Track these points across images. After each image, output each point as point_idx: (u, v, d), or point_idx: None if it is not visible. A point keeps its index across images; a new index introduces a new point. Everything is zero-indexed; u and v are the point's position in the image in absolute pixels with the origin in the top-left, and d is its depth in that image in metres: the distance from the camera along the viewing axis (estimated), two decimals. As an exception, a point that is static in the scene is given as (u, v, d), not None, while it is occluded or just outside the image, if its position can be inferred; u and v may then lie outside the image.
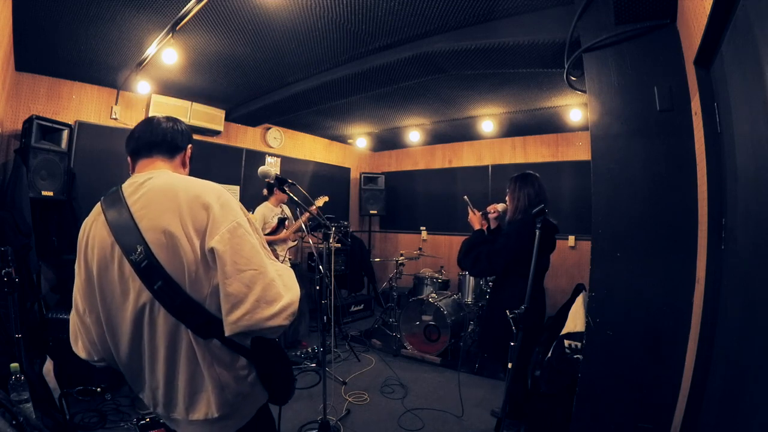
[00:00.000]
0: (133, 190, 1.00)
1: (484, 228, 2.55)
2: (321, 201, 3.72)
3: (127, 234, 0.94)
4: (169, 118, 1.16)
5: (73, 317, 1.07)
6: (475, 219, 2.55)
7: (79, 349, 1.08)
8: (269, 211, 3.68)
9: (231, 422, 1.03)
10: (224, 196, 1.01)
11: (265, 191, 3.86)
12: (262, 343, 1.05)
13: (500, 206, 2.55)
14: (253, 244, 0.97)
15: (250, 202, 4.26)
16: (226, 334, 0.92)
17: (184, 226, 0.93)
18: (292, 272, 1.08)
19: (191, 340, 0.96)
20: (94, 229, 1.01)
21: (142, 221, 0.95)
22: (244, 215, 1.01)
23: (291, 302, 0.97)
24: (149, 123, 1.13)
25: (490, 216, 2.59)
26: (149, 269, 0.91)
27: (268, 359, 1.07)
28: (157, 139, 1.10)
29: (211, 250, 0.92)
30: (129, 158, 1.13)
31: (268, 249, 1.06)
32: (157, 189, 0.99)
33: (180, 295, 0.92)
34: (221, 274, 0.91)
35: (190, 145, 1.19)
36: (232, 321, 0.91)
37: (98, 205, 1.03)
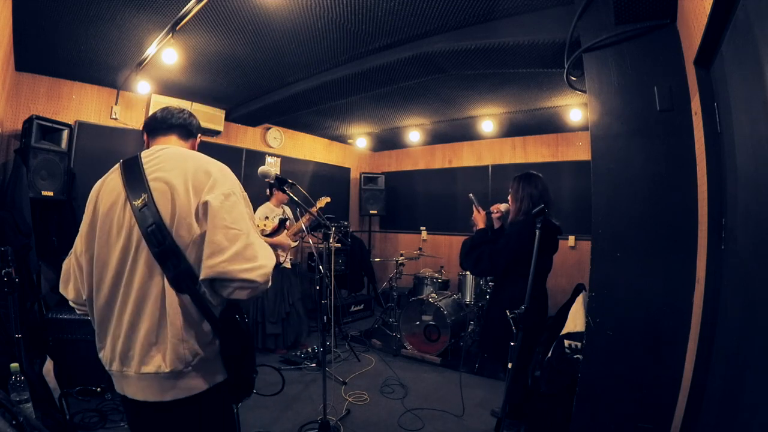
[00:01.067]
0: (149, 155, 1.15)
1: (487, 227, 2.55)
2: (323, 202, 3.71)
3: (136, 185, 1.06)
4: (183, 110, 1.32)
5: (68, 261, 1.19)
6: (479, 218, 2.53)
7: (69, 290, 1.18)
8: (270, 211, 3.68)
9: (180, 384, 1.03)
10: (225, 170, 1.15)
11: (267, 192, 3.86)
12: (231, 323, 1.09)
13: (503, 206, 2.54)
14: (242, 211, 1.08)
15: (250, 201, 4.24)
16: (202, 276, 1.00)
17: (185, 181, 1.05)
18: (271, 249, 1.15)
19: (164, 289, 1.01)
20: (109, 181, 1.15)
21: (151, 175, 1.07)
22: (240, 190, 1.13)
23: (266, 264, 1.05)
24: (168, 109, 1.30)
25: (494, 216, 2.58)
26: (146, 212, 1.02)
27: (234, 340, 1.09)
28: (177, 122, 1.27)
29: (205, 203, 1.03)
30: (145, 135, 1.29)
31: (256, 226, 1.16)
32: (170, 154, 1.15)
33: (166, 238, 1.00)
34: (210, 224, 1.02)
35: (200, 135, 1.37)
36: (209, 265, 0.99)
37: (118, 164, 1.16)
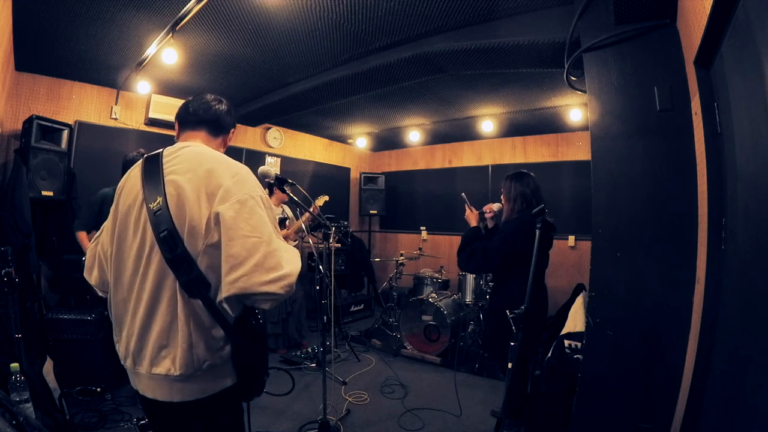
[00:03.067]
0: (170, 152, 1.13)
1: (481, 226, 2.56)
2: (321, 200, 3.71)
3: (152, 186, 1.05)
4: (221, 100, 1.26)
5: (93, 249, 1.22)
6: (472, 216, 2.55)
7: (93, 276, 1.21)
8: (269, 210, 3.67)
9: (189, 387, 1.03)
10: (242, 172, 1.09)
11: (266, 191, 3.85)
12: (246, 327, 1.08)
13: (496, 206, 2.56)
14: (262, 215, 1.03)
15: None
16: (224, 295, 0.98)
17: (197, 187, 1.03)
18: (297, 252, 1.11)
19: (176, 293, 1.01)
20: (131, 178, 1.15)
21: (167, 177, 1.06)
22: (260, 193, 1.08)
23: (290, 273, 1.01)
24: (204, 100, 1.24)
25: (487, 216, 2.60)
26: (161, 218, 1.01)
27: (248, 345, 1.08)
28: (209, 118, 1.22)
29: (217, 214, 0.99)
30: (177, 124, 1.25)
31: (279, 230, 1.10)
32: (188, 154, 1.11)
33: (179, 246, 0.99)
34: (225, 237, 0.98)
35: (233, 129, 1.31)
36: (229, 281, 0.96)
37: (141, 160, 1.15)
